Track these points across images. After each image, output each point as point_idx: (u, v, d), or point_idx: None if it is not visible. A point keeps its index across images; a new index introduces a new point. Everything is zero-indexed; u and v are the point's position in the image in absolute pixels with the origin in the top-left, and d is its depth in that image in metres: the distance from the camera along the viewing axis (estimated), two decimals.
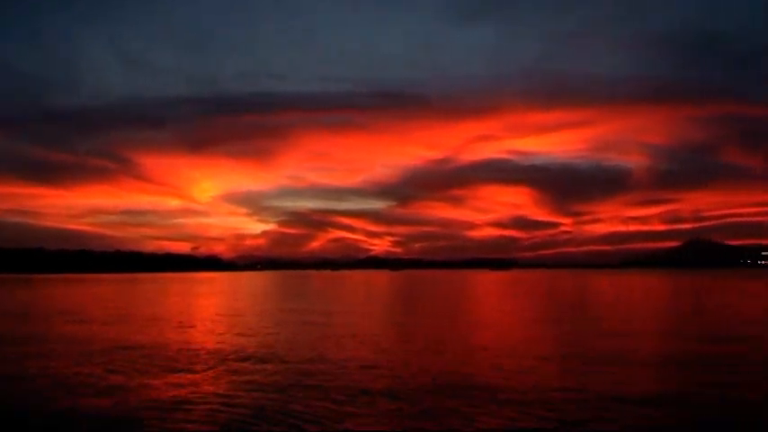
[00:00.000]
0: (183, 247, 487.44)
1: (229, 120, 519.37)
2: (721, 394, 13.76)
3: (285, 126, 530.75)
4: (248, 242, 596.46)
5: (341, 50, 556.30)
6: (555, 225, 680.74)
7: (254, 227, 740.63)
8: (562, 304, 48.00)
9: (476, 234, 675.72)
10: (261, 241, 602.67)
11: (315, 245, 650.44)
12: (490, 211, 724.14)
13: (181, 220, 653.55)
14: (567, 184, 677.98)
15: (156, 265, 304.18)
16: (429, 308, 45.02)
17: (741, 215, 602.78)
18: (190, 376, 16.47)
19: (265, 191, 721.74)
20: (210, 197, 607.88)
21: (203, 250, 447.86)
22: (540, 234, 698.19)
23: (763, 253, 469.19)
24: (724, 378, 15.64)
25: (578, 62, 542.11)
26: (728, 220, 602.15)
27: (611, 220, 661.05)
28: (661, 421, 11.58)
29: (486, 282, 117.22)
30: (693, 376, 16.06)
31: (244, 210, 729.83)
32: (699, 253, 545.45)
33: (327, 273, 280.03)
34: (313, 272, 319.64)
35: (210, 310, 42.17)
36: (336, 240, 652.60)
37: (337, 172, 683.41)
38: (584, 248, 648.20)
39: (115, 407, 12.91)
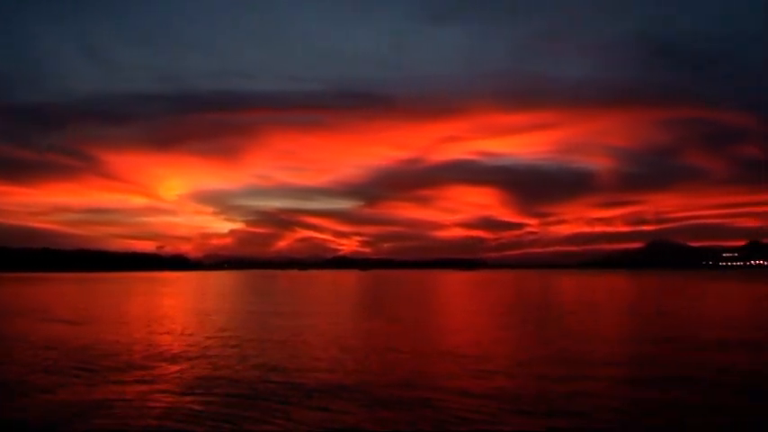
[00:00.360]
0: (148, 246, 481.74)
1: (197, 118, 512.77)
2: (676, 391, 14.42)
3: (253, 125, 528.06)
4: (215, 241, 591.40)
5: (310, 49, 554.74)
6: (521, 226, 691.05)
7: (221, 226, 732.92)
8: (527, 305, 48.76)
9: (443, 234, 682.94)
10: (228, 240, 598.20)
11: (282, 244, 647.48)
12: (457, 212, 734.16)
13: (146, 219, 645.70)
14: (533, 186, 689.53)
15: (121, 264, 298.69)
16: (397, 308, 45.33)
17: (703, 217, 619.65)
18: (158, 374, 16.49)
19: (232, 190, 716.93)
20: (177, 195, 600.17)
21: (169, 249, 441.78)
22: (507, 235, 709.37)
23: (724, 254, 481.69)
24: (680, 374, 16.34)
25: (545, 65, 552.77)
26: (690, 221, 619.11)
27: (576, 221, 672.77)
28: (627, 417, 12.11)
29: (454, 282, 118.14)
30: (651, 374, 16.74)
31: (210, 209, 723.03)
32: (661, 254, 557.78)
33: (295, 273, 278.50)
34: (280, 272, 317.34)
35: (177, 311, 41.89)
36: (304, 240, 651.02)
37: (305, 171, 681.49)
38: (550, 249, 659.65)
39: (84, 405, 12.93)
